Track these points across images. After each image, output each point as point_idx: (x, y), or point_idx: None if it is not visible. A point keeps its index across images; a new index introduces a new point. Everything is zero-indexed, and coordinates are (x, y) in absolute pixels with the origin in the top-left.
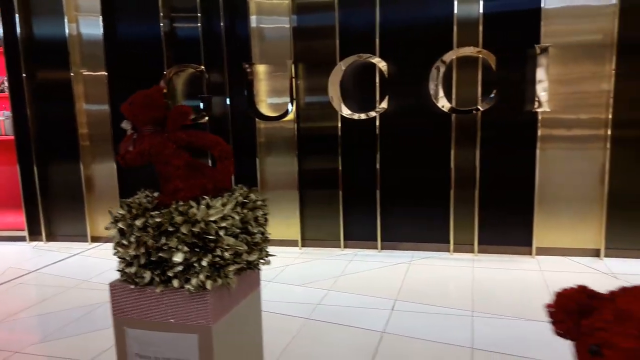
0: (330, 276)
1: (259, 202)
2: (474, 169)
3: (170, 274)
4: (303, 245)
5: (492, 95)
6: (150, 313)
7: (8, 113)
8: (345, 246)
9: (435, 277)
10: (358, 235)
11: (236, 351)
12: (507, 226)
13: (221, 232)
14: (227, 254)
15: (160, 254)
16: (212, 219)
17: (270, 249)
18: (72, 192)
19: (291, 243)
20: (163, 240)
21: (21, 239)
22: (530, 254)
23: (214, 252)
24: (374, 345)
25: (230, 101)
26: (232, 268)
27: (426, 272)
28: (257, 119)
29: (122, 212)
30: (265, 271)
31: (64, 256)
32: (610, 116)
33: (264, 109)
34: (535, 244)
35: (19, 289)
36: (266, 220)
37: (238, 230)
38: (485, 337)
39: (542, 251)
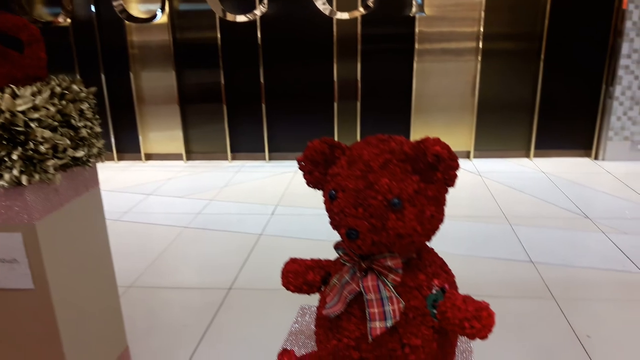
0: (214, 187)
1: (82, 94)
2: (356, 82)
3: None
4: (188, 159)
5: (370, 4)
6: None
7: None
8: (233, 158)
9: None
10: (245, 147)
11: (70, 251)
12: (386, 132)
13: (32, 124)
14: (42, 148)
15: None
16: (19, 109)
17: (153, 163)
18: None
19: (175, 157)
20: None
21: None
22: None
23: (25, 145)
24: (250, 245)
25: (95, 6)
26: (51, 163)
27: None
28: (127, 29)
29: None
30: (144, 185)
31: None
32: (481, 29)
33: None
34: None
35: None
36: (94, 114)
37: (57, 124)
38: None
39: None
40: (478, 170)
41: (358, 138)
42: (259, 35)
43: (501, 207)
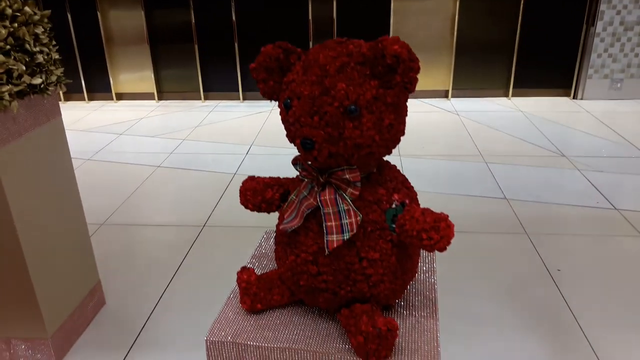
0: (188, 127)
1: (36, 17)
2: (331, 21)
3: None
4: (160, 99)
5: None
6: None
7: None
8: (206, 98)
9: None
10: (219, 87)
11: (34, 181)
12: None
13: None
14: None
15: None
16: None
17: (124, 103)
18: None
19: (147, 97)
20: None
21: None
22: None
23: None
24: (224, 184)
25: None
26: (5, 89)
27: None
28: None
29: None
30: (115, 125)
31: None
32: None
33: None
34: None
35: None
36: (51, 39)
37: (9, 47)
38: None
39: None
40: (456, 109)
41: None
42: None
43: (477, 145)
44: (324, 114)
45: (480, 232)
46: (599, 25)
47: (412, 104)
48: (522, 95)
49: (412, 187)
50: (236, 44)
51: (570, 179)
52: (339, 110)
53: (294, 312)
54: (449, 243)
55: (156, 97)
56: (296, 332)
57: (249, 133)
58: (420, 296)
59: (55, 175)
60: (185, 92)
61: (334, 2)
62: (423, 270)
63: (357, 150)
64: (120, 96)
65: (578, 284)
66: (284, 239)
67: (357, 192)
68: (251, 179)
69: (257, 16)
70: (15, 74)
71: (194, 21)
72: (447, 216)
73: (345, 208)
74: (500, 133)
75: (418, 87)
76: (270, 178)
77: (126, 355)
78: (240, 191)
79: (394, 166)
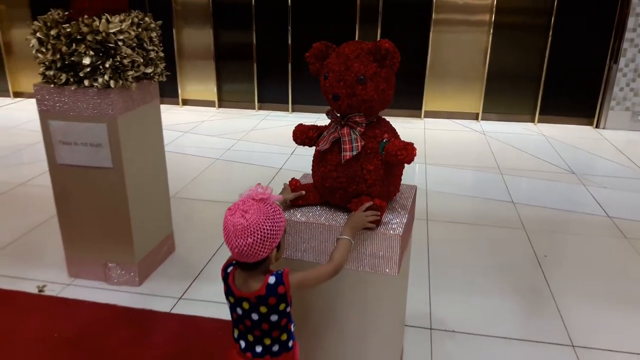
0: (242, 130)
1: (152, 25)
2: None
3: (81, 74)
4: (220, 106)
5: None
6: (68, 107)
7: None
8: (260, 108)
9: None
10: (271, 99)
11: (139, 144)
12: (403, 94)
13: (120, 43)
14: (125, 61)
15: (72, 58)
16: (111, 31)
17: (190, 109)
18: None
19: (209, 104)
20: (73, 47)
21: None
22: (420, 116)
23: (114, 58)
24: (271, 176)
25: None
26: (130, 73)
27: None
28: None
29: (39, 24)
30: (181, 125)
31: None
32: (494, 2)
33: None
34: (425, 107)
35: None
36: (160, 41)
37: (135, 44)
38: None
39: (430, 114)
40: (483, 130)
41: None
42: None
43: (497, 160)
44: (346, 81)
45: (484, 225)
46: (622, 62)
47: (445, 123)
48: (547, 122)
49: (397, 134)
50: (289, 64)
51: (575, 192)
52: (354, 79)
53: (321, 208)
54: (413, 158)
55: (217, 105)
56: (324, 216)
57: None
58: (398, 209)
59: (152, 142)
60: (242, 102)
61: (379, 30)
62: (405, 196)
63: (363, 103)
64: (185, 102)
65: (560, 267)
66: (317, 156)
67: (362, 130)
68: (300, 124)
69: (310, 40)
70: (136, 64)
71: (255, 42)
72: (413, 143)
73: (355, 137)
74: (520, 152)
75: (451, 109)
76: (313, 125)
77: (190, 284)
78: (293, 132)
79: (388, 121)
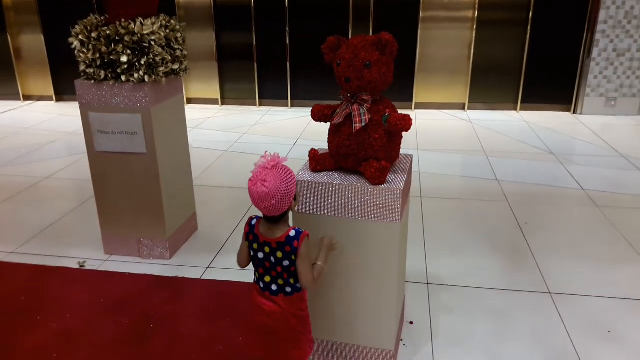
0: (246, 125)
1: (177, 27)
2: None
3: (119, 71)
4: (223, 104)
5: None
6: (106, 100)
7: None
8: (261, 104)
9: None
10: (271, 95)
11: (168, 131)
12: (394, 87)
13: (152, 42)
14: (157, 59)
15: (111, 57)
16: (145, 32)
17: (194, 107)
18: (1, 59)
19: (212, 101)
20: (112, 47)
21: None
22: (411, 108)
23: (148, 55)
24: None
25: None
26: (161, 69)
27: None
28: None
29: (80, 27)
30: (188, 121)
31: (0, 110)
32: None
33: None
34: (415, 100)
35: None
36: (184, 41)
37: (164, 44)
38: None
39: (420, 106)
40: (470, 118)
41: None
42: (286, 0)
43: (483, 144)
44: (355, 67)
45: (470, 199)
46: (595, 52)
47: (434, 113)
48: (529, 110)
49: (397, 109)
50: (288, 63)
51: (553, 169)
52: (361, 64)
53: (337, 173)
54: (410, 127)
55: (220, 102)
56: (339, 178)
57: (296, 131)
58: (399, 172)
59: (178, 130)
60: (244, 99)
61: (370, 32)
62: (404, 162)
63: (369, 84)
64: (190, 100)
65: (539, 231)
66: (332, 129)
67: (369, 106)
68: (317, 105)
69: (305, 41)
70: (165, 61)
71: (255, 42)
72: (409, 115)
73: (363, 112)
74: (504, 136)
75: (439, 100)
76: (326, 104)
77: (215, 257)
78: (312, 111)
79: (389, 100)
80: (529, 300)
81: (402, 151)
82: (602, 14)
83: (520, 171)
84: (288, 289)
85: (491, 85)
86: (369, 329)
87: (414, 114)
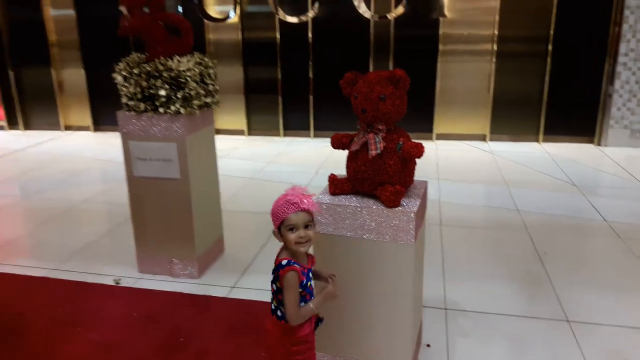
0: (270, 154)
1: (210, 64)
2: None
3: (157, 104)
4: (249, 134)
5: (403, 6)
6: (145, 130)
7: None
8: (285, 135)
9: None
10: (294, 127)
11: (200, 159)
12: (413, 118)
13: (188, 78)
14: (192, 93)
15: (150, 91)
16: (182, 69)
17: (222, 137)
18: (45, 92)
19: (239, 132)
20: (152, 82)
21: None
22: (431, 139)
23: (184, 90)
24: None
25: (182, 8)
26: (195, 102)
27: (346, 152)
28: (205, 28)
29: (123, 64)
30: (218, 150)
31: (44, 139)
32: (496, 32)
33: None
34: (435, 131)
35: (10, 163)
36: (215, 76)
37: (198, 79)
38: None
39: (441, 136)
40: (491, 150)
41: None
42: (309, 35)
43: (504, 175)
44: (371, 99)
45: (490, 228)
46: (617, 84)
47: (455, 144)
48: (551, 142)
49: (410, 137)
50: (311, 96)
51: (575, 200)
52: (377, 97)
53: (354, 196)
54: (422, 153)
55: (246, 133)
56: (356, 201)
57: (317, 160)
58: (413, 196)
59: (209, 158)
60: (269, 130)
61: (390, 62)
62: (418, 188)
63: (384, 115)
64: (218, 131)
65: (558, 261)
66: (350, 156)
67: (384, 134)
68: (336, 134)
69: (328, 75)
70: (199, 95)
71: (280, 77)
72: (422, 143)
73: (378, 140)
74: (525, 168)
75: (460, 131)
76: (346, 133)
77: (240, 277)
78: (331, 139)
79: (403, 129)
80: (546, 327)
81: (423, 180)
82: (622, 47)
83: (542, 202)
84: (279, 313)
85: (512, 116)
86: (385, 349)
87: (435, 145)
